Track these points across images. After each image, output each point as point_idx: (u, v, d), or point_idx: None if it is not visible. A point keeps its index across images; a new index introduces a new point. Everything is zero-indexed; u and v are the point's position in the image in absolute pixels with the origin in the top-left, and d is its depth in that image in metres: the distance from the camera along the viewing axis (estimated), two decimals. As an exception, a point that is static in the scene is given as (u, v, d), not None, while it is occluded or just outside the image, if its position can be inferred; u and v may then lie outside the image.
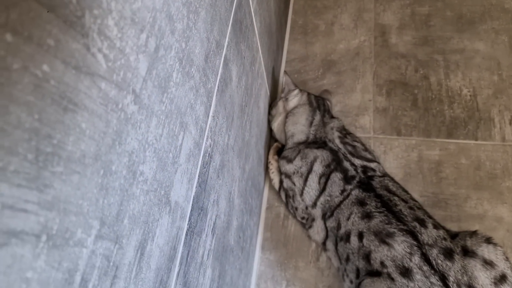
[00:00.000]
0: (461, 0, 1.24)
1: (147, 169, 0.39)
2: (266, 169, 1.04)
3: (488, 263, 0.72)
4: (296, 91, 0.98)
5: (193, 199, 0.53)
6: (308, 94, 1.00)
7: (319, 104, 0.98)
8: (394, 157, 1.04)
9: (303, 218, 0.94)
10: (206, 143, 0.56)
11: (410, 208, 0.80)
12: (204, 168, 0.56)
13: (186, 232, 0.51)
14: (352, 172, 0.87)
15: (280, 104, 1.01)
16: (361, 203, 0.82)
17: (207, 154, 0.57)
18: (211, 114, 0.58)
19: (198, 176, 0.54)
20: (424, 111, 1.09)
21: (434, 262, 0.72)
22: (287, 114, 0.99)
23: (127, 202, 0.36)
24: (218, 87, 0.60)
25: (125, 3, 0.34)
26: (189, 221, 0.52)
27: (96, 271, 0.32)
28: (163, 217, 0.44)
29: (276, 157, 1.02)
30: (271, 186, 1.04)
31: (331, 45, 1.22)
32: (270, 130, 1.04)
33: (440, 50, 1.17)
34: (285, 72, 1.03)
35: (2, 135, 0.22)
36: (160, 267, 0.44)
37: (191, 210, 0.52)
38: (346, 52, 1.20)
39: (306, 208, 0.91)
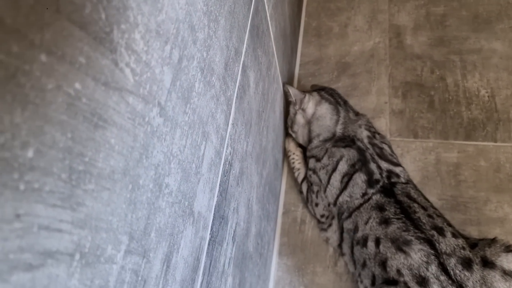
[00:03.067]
0: (477, -1, 1.23)
1: (172, 181, 0.39)
2: (285, 168, 1.04)
3: (508, 274, 0.70)
4: (306, 97, 0.96)
5: (215, 208, 0.53)
6: (318, 91, 0.98)
7: (336, 99, 0.96)
8: (411, 160, 1.03)
9: (322, 216, 0.93)
10: (226, 151, 0.56)
11: (429, 216, 0.79)
12: (225, 176, 0.56)
13: (209, 242, 0.51)
14: (377, 175, 0.85)
15: (299, 117, 0.98)
16: (380, 208, 0.81)
17: (227, 162, 0.57)
18: (230, 122, 0.58)
19: (219, 185, 0.54)
20: (441, 113, 1.07)
21: (452, 272, 0.71)
22: (309, 121, 0.97)
23: (154, 216, 0.36)
24: (237, 94, 0.60)
25: (150, 16, 0.33)
26: (211, 230, 0.51)
27: (126, 286, 0.32)
28: (187, 228, 0.44)
29: (299, 148, 1.02)
30: (287, 191, 1.04)
31: (345, 47, 1.21)
32: (286, 131, 1.03)
33: (456, 50, 1.16)
34: (285, 84, 1.00)
35: (38, 156, 0.22)
36: (185, 278, 0.44)
37: (213, 220, 0.52)
38: (361, 54, 1.19)
39: (329, 205, 0.90)
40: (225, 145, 0.56)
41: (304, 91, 0.98)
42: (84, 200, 0.26)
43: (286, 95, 1.00)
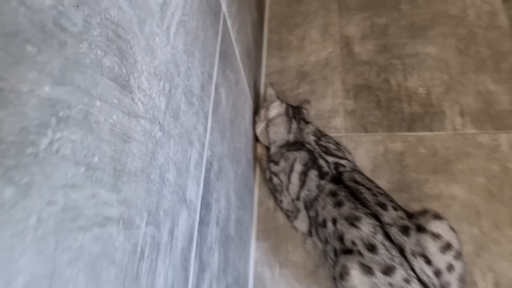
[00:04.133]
0: (413, 10, 1.42)
1: (170, 177, 0.55)
2: (256, 167, 1.20)
3: (436, 235, 0.89)
4: (277, 102, 1.14)
5: (201, 197, 0.69)
6: (287, 105, 1.16)
7: (294, 114, 1.14)
8: (363, 152, 1.21)
9: (287, 210, 1.11)
10: (207, 154, 0.72)
11: (374, 195, 0.97)
12: (207, 173, 0.72)
13: (198, 222, 0.67)
14: (326, 168, 1.03)
15: (262, 112, 1.17)
16: (333, 194, 0.99)
17: (208, 162, 0.73)
18: (208, 130, 0.74)
19: (203, 179, 0.70)
20: (387, 110, 1.26)
21: (393, 238, 0.89)
22: (268, 122, 1.15)
23: (161, 200, 0.52)
24: (212, 108, 0.76)
25: (150, 64, 0.49)
26: (199, 214, 0.67)
27: (148, 246, 0.48)
28: (182, 211, 0.60)
29: (267, 154, 1.19)
30: (260, 185, 1.21)
31: (303, 57, 1.39)
32: (255, 135, 1.20)
33: (397, 55, 1.35)
34: (270, 84, 1.18)
35: (99, 162, 0.38)
36: (184, 247, 0.60)
37: (200, 206, 0.68)
38: (317, 63, 1.37)
39: (292, 201, 1.07)
40: (205, 149, 0.72)
41: (282, 100, 1.16)
42: (122, 188, 0.42)
43: (265, 93, 1.18)
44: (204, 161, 0.71)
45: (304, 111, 1.17)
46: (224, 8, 0.85)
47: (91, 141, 0.37)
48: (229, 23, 0.90)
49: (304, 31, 1.44)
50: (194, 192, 0.65)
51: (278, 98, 1.18)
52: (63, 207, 0.33)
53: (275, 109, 1.15)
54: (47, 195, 0.31)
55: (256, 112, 1.20)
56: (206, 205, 0.71)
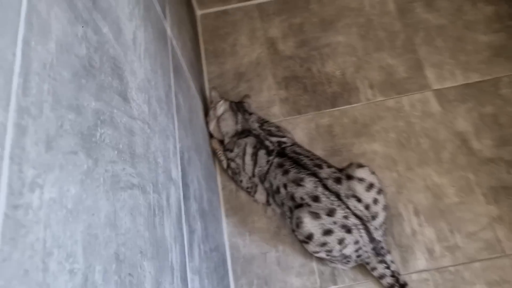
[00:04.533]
0: (320, 8, 1.71)
1: (161, 161, 0.77)
2: (215, 159, 1.43)
3: (361, 179, 1.16)
4: (221, 101, 1.37)
5: (181, 178, 0.90)
6: (230, 102, 1.39)
7: (238, 107, 1.37)
8: (300, 130, 1.47)
9: (247, 187, 1.34)
10: (179, 145, 0.94)
11: (311, 159, 1.23)
12: (181, 160, 0.94)
13: (183, 196, 0.88)
14: (271, 147, 1.28)
15: (211, 112, 1.40)
16: (280, 165, 1.24)
17: (181, 152, 0.95)
18: (176, 128, 0.95)
19: (180, 164, 0.92)
20: (313, 93, 1.53)
21: (330, 188, 1.15)
22: (218, 119, 1.38)
23: (158, 176, 0.73)
24: (176, 110, 0.98)
25: (135, 82, 0.71)
26: (183, 190, 0.89)
27: (157, 207, 0.69)
28: (171, 186, 0.81)
29: (222, 145, 1.42)
30: (221, 173, 1.43)
31: (238, 61, 1.63)
32: (209, 132, 1.42)
33: (314, 47, 1.63)
34: (213, 88, 1.41)
35: (122, 151, 0.59)
36: (177, 213, 0.81)
37: (182, 184, 0.90)
38: (250, 63, 1.62)
39: (250, 178, 1.31)
40: (177, 142, 0.93)
41: (225, 99, 1.38)
42: (136, 166, 0.63)
43: (210, 96, 1.40)
44: (178, 151, 0.92)
45: (246, 104, 1.41)
46: (169, 32, 1.07)
47: (116, 134, 0.58)
48: (174, 43, 1.12)
49: (234, 38, 1.68)
50: (176, 174, 0.87)
51: (222, 97, 1.41)
52: (112, 174, 0.54)
53: (221, 107, 1.38)
54: (103, 166, 0.52)
55: (206, 113, 1.42)
56: (185, 184, 0.93)
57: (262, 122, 1.36)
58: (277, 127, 1.37)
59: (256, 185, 1.32)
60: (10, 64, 0.36)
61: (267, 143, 1.28)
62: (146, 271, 0.60)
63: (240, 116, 1.36)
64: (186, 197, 0.91)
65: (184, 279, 0.78)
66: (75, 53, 0.49)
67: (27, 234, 0.35)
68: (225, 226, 1.34)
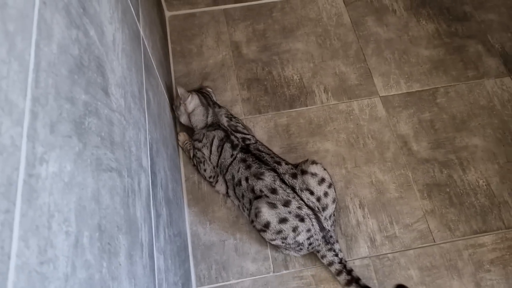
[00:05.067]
0: (282, 16, 1.84)
1: (134, 149, 0.86)
2: (180, 152, 1.52)
3: (314, 174, 1.30)
4: (190, 97, 1.47)
5: (150, 167, 0.99)
6: (198, 95, 1.48)
7: (207, 100, 1.48)
8: (260, 128, 1.59)
9: (210, 177, 1.45)
10: (149, 137, 1.03)
11: (272, 157, 1.35)
12: (151, 150, 1.03)
13: (151, 183, 0.97)
14: (236, 142, 1.39)
15: (182, 108, 1.48)
16: (244, 160, 1.35)
17: (150, 143, 1.04)
18: (147, 121, 1.04)
19: (149, 154, 1.01)
20: (273, 94, 1.66)
21: (287, 182, 1.27)
22: (189, 114, 1.47)
23: (131, 163, 0.82)
24: (146, 105, 1.07)
25: (114, 78, 0.80)
26: (151, 177, 0.98)
27: (130, 190, 0.78)
28: (142, 173, 0.90)
29: (188, 138, 1.51)
30: (185, 166, 1.52)
31: (204, 61, 1.73)
32: (178, 123, 1.51)
33: (275, 52, 1.75)
34: (179, 84, 1.50)
35: (105, 136, 0.68)
36: (146, 197, 0.90)
37: (151, 172, 0.99)
38: (215, 64, 1.72)
39: (214, 168, 1.41)
40: (147, 134, 1.03)
41: (191, 92, 1.48)
42: (115, 152, 0.72)
43: (177, 93, 1.49)
44: (148, 142, 1.02)
45: (209, 89, 1.51)
46: (142, 33, 1.16)
47: (100, 123, 0.67)
48: (146, 43, 1.21)
49: (201, 40, 1.78)
50: (146, 162, 0.96)
51: (188, 92, 1.49)
52: (96, 157, 0.63)
53: (191, 103, 1.47)
54: (90, 149, 0.61)
55: (174, 107, 1.51)
56: (153, 173, 1.02)
57: (231, 117, 1.47)
58: (243, 124, 1.48)
59: (218, 176, 1.42)
60: (27, 62, 0.45)
61: (232, 138, 1.39)
62: (122, 243, 0.69)
63: (210, 111, 1.46)
64: (154, 184, 1.00)
65: (151, 256, 0.87)
66: (70, 53, 0.58)
67: (38, 197, 0.44)
68: (187, 215, 1.43)
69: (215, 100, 1.52)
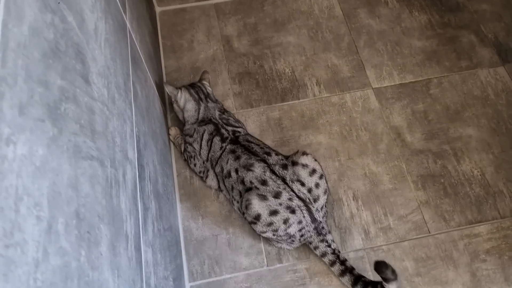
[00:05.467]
0: (274, 9, 1.82)
1: (118, 140, 0.84)
2: (171, 147, 1.51)
3: (304, 165, 1.28)
4: (179, 94, 1.45)
5: (137, 159, 0.98)
6: (188, 90, 1.46)
7: (199, 94, 1.46)
8: (252, 122, 1.58)
9: (200, 171, 1.43)
10: (135, 130, 1.02)
11: (261, 148, 1.34)
12: (138, 143, 1.02)
13: (138, 175, 0.96)
14: (226, 135, 1.38)
15: (175, 105, 1.47)
16: (233, 151, 1.33)
17: (137, 136, 1.03)
18: (133, 113, 1.03)
19: (136, 147, 0.99)
20: (265, 88, 1.64)
21: (277, 173, 1.26)
22: (182, 109, 1.46)
23: (115, 154, 0.81)
24: (133, 98, 1.05)
25: (95, 67, 0.78)
26: (138, 170, 0.97)
27: (113, 180, 0.77)
28: (127, 165, 0.89)
29: (180, 132, 1.50)
30: (177, 160, 1.51)
31: (195, 56, 1.71)
32: (170, 118, 1.50)
33: (267, 46, 1.74)
34: (165, 83, 1.48)
35: (84, 124, 0.67)
36: (132, 189, 0.89)
37: (137, 165, 0.97)
38: (206, 59, 1.71)
39: (203, 162, 1.40)
40: (134, 126, 1.01)
41: (178, 87, 1.46)
42: (96, 141, 0.71)
43: (167, 91, 1.47)
44: (135, 134, 1.00)
45: (205, 82, 1.49)
46: (128, 25, 1.14)
47: (79, 110, 0.65)
48: (133, 35, 1.19)
49: (192, 34, 1.76)
50: (132, 155, 0.95)
51: (177, 88, 1.47)
52: (74, 144, 0.62)
53: (181, 99, 1.45)
54: (67, 136, 0.60)
55: (173, 107, 1.50)
56: (140, 165, 1.01)
57: (223, 111, 1.45)
58: (235, 118, 1.47)
59: (208, 170, 1.41)
60: (-9, 41, 0.44)
61: (223, 131, 1.38)
62: (103, 233, 0.68)
63: (202, 105, 1.44)
64: (141, 177, 0.99)
65: (138, 249, 0.86)
66: (44, 37, 0.56)
67: (3, 179, 0.42)
68: (179, 210, 1.42)
69: (208, 92, 1.49)
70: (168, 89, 1.46)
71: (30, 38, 0.52)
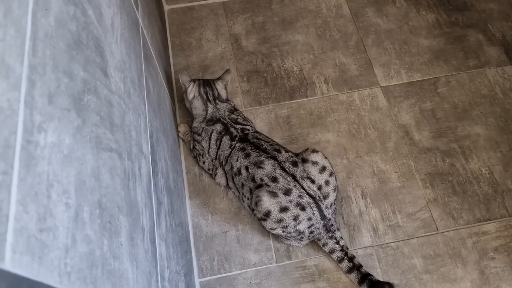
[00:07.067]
0: (281, 8, 1.83)
1: (134, 134, 0.85)
2: (181, 144, 1.51)
3: (315, 163, 1.29)
4: (190, 86, 1.46)
5: (151, 154, 0.99)
6: (199, 86, 1.46)
7: (207, 96, 1.46)
8: (260, 120, 1.58)
9: (209, 169, 1.44)
10: (149, 125, 1.02)
11: (271, 145, 1.34)
12: (151, 138, 1.02)
13: (152, 170, 0.97)
14: (235, 133, 1.38)
15: (185, 97, 1.49)
16: (242, 149, 1.34)
17: (150, 131, 1.03)
18: (147, 108, 1.04)
19: (149, 142, 1.00)
20: (273, 86, 1.65)
21: (288, 170, 1.27)
22: (190, 103, 1.47)
23: (131, 147, 0.82)
24: (146, 93, 1.06)
25: (113, 61, 0.79)
26: (152, 164, 0.97)
27: (131, 173, 0.77)
28: (142, 159, 0.90)
29: (189, 129, 1.51)
30: (186, 158, 1.52)
31: (203, 54, 1.72)
32: (179, 115, 1.50)
33: (275, 44, 1.75)
34: (180, 71, 1.48)
35: (104, 116, 0.67)
36: (147, 183, 0.90)
37: (151, 159, 0.98)
38: (215, 57, 1.72)
39: (212, 160, 1.41)
40: (147, 121, 1.02)
41: (193, 79, 1.46)
42: (114, 133, 0.72)
43: (180, 80, 1.47)
44: (148, 129, 1.01)
45: (220, 82, 1.48)
46: (141, 22, 1.15)
47: (99, 102, 0.66)
48: (145, 32, 1.20)
49: (200, 33, 1.77)
50: (146, 149, 0.95)
51: (192, 80, 1.47)
52: (96, 135, 0.62)
53: (191, 93, 1.46)
54: (89, 126, 0.60)
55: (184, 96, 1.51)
56: (154, 160, 1.02)
57: (233, 110, 1.46)
58: (244, 117, 1.47)
59: (217, 168, 1.41)
60: (24, 29, 0.45)
61: (232, 130, 1.38)
62: (122, 224, 0.69)
63: (210, 106, 1.44)
64: (155, 172, 1.00)
65: (153, 242, 0.87)
66: (68, 29, 0.57)
67: (36, 165, 0.43)
68: (189, 207, 1.43)
69: (219, 94, 1.48)
70: (182, 78, 1.45)
71: (56, 29, 0.53)
